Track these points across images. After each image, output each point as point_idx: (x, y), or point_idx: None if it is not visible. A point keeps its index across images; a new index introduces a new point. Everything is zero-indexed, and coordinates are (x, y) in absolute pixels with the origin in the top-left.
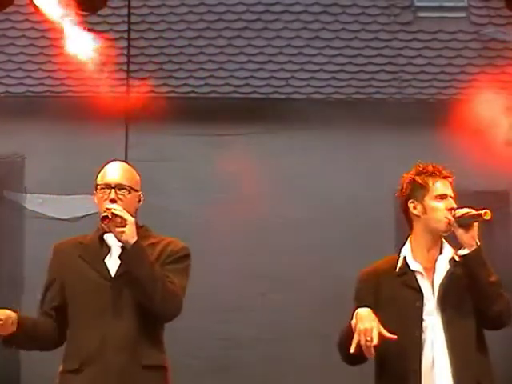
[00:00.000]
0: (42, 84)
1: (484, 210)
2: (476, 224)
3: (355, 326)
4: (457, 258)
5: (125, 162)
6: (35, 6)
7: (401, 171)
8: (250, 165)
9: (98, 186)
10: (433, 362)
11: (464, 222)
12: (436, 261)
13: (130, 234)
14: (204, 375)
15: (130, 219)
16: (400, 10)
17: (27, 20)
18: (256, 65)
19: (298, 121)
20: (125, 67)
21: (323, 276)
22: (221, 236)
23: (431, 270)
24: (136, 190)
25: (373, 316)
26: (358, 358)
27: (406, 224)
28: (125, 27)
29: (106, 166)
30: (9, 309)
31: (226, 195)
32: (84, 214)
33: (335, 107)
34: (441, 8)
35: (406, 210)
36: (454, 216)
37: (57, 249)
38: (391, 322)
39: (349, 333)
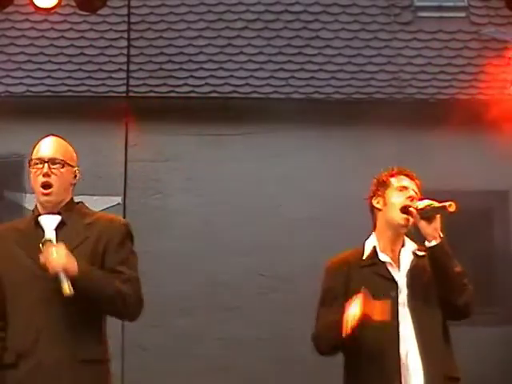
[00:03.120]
0: (42, 84)
1: (449, 202)
2: (438, 216)
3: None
4: (419, 253)
5: (58, 139)
6: (35, 6)
7: None
8: (249, 165)
9: (32, 162)
10: (407, 352)
11: (427, 215)
12: (399, 254)
13: (72, 268)
14: (204, 375)
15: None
16: (400, 9)
17: (27, 20)
18: (256, 65)
19: (298, 121)
20: (125, 67)
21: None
22: (221, 236)
23: (396, 264)
24: (71, 165)
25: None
26: (337, 348)
27: None
28: (125, 27)
29: (40, 141)
30: None
31: (226, 195)
32: None
33: (335, 107)
34: (441, 8)
35: (371, 208)
36: (416, 208)
37: None
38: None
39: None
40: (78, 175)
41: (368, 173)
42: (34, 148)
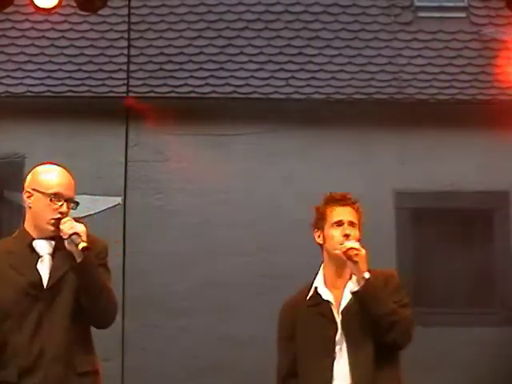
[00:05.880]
0: (42, 84)
1: (355, 252)
2: (362, 259)
3: None
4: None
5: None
6: (36, 6)
7: (401, 171)
8: (250, 165)
9: (50, 195)
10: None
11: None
12: (345, 287)
13: (84, 236)
14: (204, 375)
15: (83, 229)
16: (400, 9)
17: (27, 20)
18: (256, 65)
19: (298, 121)
20: (125, 67)
21: None
22: (221, 236)
23: (340, 297)
24: None
25: None
26: None
27: (406, 223)
28: (125, 27)
29: (53, 172)
30: None
31: (226, 195)
32: (84, 214)
33: (335, 107)
34: (441, 8)
35: (316, 241)
36: (341, 249)
37: None
38: (305, 349)
39: None
40: None
41: (368, 173)
42: (39, 176)
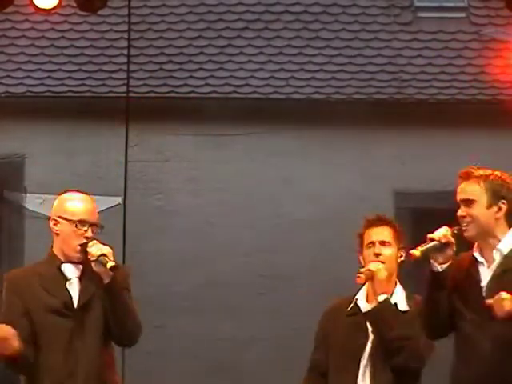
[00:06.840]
0: (42, 84)
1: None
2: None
3: None
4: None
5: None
6: (35, 7)
7: (401, 171)
8: (249, 165)
9: (75, 221)
10: None
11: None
12: None
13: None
14: (204, 375)
15: (110, 251)
16: (400, 10)
17: (27, 20)
18: (256, 65)
19: (298, 121)
20: (125, 67)
21: (323, 276)
22: (221, 236)
23: None
24: None
25: None
26: None
27: (406, 223)
28: (125, 27)
29: (77, 200)
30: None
31: (226, 195)
32: None
33: (335, 107)
34: (441, 8)
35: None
36: (365, 267)
37: (13, 279)
38: (336, 354)
39: None
40: None
41: (368, 173)
42: (65, 204)
